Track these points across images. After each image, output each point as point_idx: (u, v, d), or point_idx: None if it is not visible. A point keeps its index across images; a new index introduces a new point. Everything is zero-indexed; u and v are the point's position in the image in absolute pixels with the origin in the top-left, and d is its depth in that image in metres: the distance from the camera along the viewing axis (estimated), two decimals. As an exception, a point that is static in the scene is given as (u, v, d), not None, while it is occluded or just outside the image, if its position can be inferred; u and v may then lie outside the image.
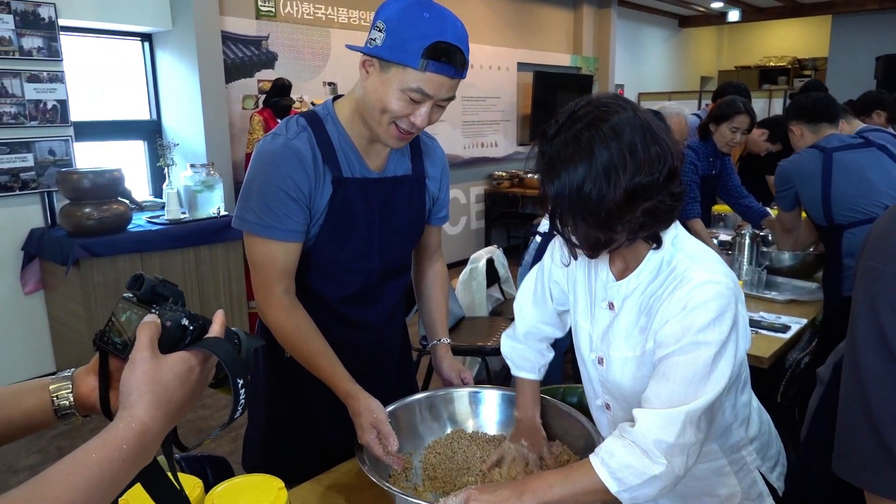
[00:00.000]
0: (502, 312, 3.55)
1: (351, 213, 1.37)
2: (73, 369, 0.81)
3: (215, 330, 0.75)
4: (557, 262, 1.27)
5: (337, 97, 1.42)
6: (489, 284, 3.60)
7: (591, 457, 1.01)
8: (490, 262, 3.59)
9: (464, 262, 3.62)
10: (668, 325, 1.03)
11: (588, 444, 1.26)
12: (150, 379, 0.68)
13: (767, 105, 8.03)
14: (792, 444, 1.49)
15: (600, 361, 1.17)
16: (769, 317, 2.30)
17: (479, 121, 6.73)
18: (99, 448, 0.62)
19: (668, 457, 0.97)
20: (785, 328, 2.21)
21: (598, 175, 0.96)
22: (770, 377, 2.01)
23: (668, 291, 1.05)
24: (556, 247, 1.28)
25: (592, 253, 1.05)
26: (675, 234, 1.09)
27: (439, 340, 1.59)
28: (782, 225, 2.77)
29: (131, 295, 0.75)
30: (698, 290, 1.01)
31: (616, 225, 0.99)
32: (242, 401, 0.73)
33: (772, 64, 11.10)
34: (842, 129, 2.56)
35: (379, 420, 1.25)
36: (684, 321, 1.01)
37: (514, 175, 6.90)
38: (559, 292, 1.31)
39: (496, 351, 3.07)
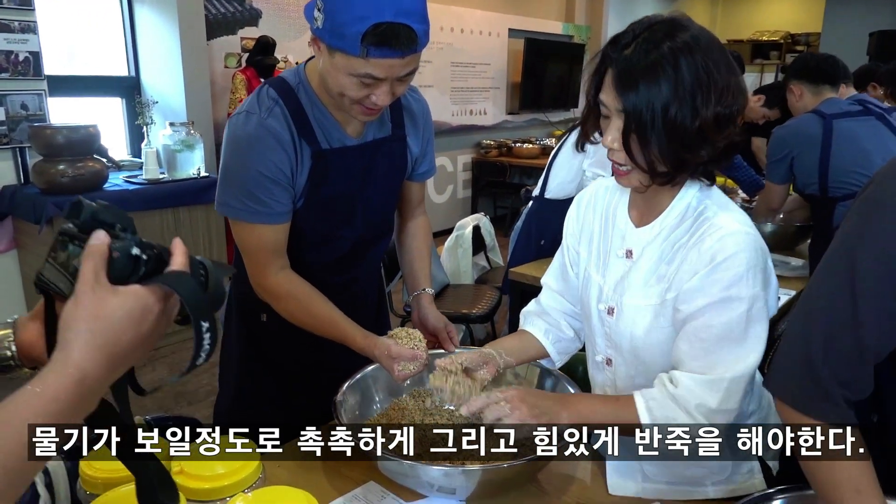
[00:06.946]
0: (488, 280, 3.51)
1: (332, 183, 1.32)
2: (14, 316, 0.72)
3: (178, 262, 0.64)
4: (572, 231, 1.25)
5: (309, 59, 1.32)
6: (475, 252, 3.54)
7: (637, 395, 1.02)
8: (476, 229, 3.53)
9: (450, 231, 3.56)
10: (696, 277, 0.99)
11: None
12: (92, 315, 0.58)
13: (759, 80, 8.00)
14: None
15: (610, 312, 1.12)
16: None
17: (469, 87, 6.59)
18: (29, 403, 0.54)
19: (708, 420, 0.97)
20: (773, 300, 2.18)
21: (685, 95, 0.91)
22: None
23: (695, 239, 1.00)
24: (573, 217, 1.26)
25: (655, 179, 0.99)
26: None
27: (423, 290, 1.51)
28: (769, 203, 2.64)
29: (71, 225, 0.64)
30: (730, 238, 0.97)
31: (701, 148, 0.95)
32: (207, 346, 0.63)
33: (764, 38, 11.00)
34: (840, 93, 2.50)
35: (392, 354, 1.26)
36: (714, 274, 0.97)
37: (503, 144, 6.81)
38: (578, 259, 1.27)
39: (481, 318, 3.05)
